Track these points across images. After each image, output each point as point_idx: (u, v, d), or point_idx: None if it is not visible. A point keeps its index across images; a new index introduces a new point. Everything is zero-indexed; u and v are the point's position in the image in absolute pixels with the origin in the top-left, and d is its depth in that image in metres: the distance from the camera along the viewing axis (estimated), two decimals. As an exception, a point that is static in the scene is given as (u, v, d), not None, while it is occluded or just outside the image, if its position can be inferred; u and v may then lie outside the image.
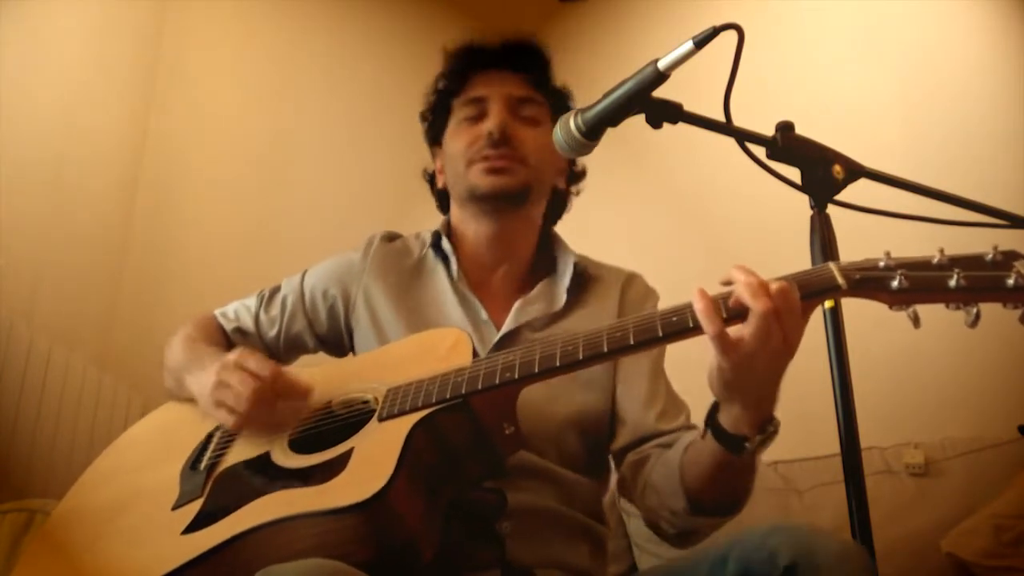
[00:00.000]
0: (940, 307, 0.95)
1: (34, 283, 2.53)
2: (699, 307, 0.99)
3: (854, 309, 1.09)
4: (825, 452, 2.31)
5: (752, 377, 1.01)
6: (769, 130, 1.16)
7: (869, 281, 0.97)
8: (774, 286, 0.98)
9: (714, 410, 1.10)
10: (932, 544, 2.13)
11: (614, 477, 1.44)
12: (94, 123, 2.84)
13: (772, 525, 1.02)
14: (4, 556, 1.86)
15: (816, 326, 1.11)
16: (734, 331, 0.99)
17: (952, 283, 0.93)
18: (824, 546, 0.97)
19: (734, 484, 1.17)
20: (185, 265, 3.00)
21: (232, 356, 1.25)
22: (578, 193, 1.63)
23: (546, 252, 1.55)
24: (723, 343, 0.99)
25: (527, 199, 1.48)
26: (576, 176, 1.62)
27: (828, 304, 1.12)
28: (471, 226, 1.51)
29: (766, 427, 1.06)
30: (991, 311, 0.93)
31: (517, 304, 1.44)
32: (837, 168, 1.13)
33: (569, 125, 1.20)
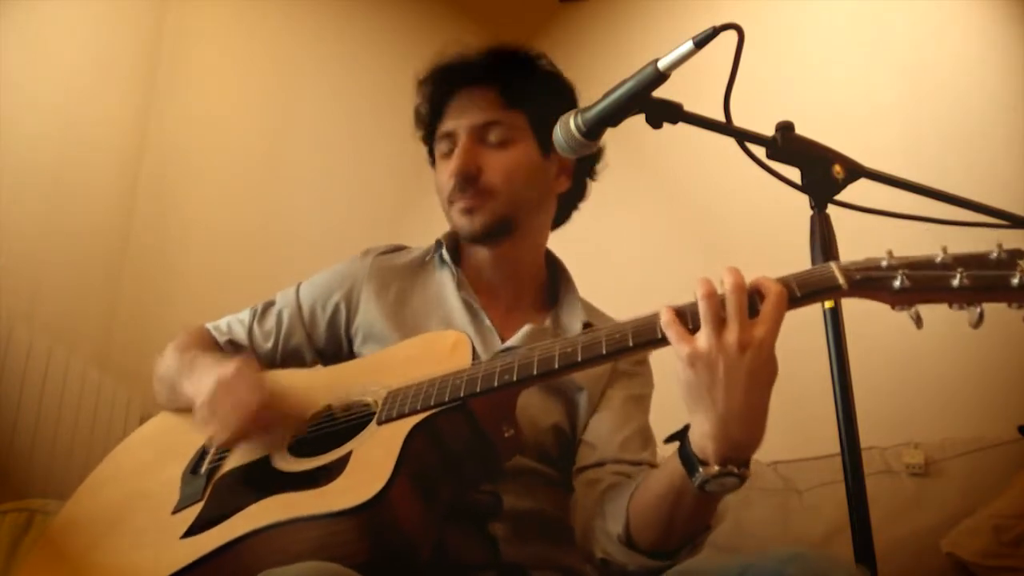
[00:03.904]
0: (940, 307, 0.94)
1: (34, 283, 2.53)
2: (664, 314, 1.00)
3: (854, 309, 1.09)
4: (825, 452, 2.31)
5: (713, 384, 0.95)
6: (769, 130, 1.16)
7: (870, 281, 0.94)
8: (775, 289, 0.96)
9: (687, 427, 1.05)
10: (932, 544, 2.13)
11: None
12: (94, 123, 2.84)
13: (790, 552, 0.98)
14: (4, 556, 1.86)
15: (816, 326, 1.10)
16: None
17: (955, 282, 0.91)
18: None
19: (676, 521, 1.09)
20: (185, 265, 3.00)
21: (229, 372, 1.23)
22: (595, 178, 1.56)
23: (553, 274, 1.54)
24: (675, 330, 0.98)
25: (511, 229, 1.44)
26: (590, 162, 1.53)
27: (828, 304, 1.12)
28: (470, 249, 1.51)
29: (729, 465, 0.98)
30: (991, 311, 0.93)
31: (528, 327, 1.41)
32: (837, 168, 1.13)
33: (569, 125, 1.20)
